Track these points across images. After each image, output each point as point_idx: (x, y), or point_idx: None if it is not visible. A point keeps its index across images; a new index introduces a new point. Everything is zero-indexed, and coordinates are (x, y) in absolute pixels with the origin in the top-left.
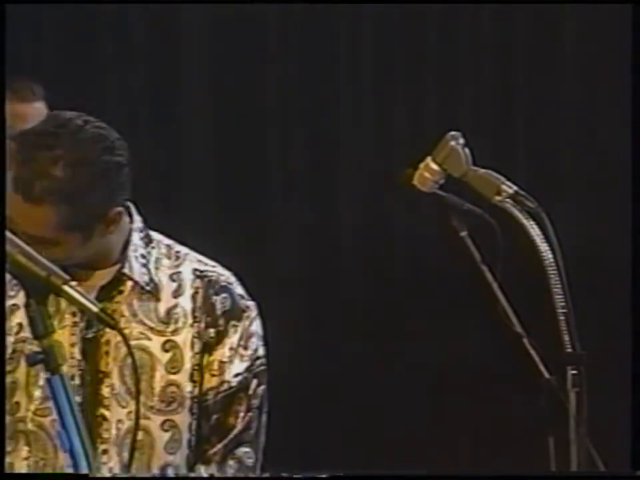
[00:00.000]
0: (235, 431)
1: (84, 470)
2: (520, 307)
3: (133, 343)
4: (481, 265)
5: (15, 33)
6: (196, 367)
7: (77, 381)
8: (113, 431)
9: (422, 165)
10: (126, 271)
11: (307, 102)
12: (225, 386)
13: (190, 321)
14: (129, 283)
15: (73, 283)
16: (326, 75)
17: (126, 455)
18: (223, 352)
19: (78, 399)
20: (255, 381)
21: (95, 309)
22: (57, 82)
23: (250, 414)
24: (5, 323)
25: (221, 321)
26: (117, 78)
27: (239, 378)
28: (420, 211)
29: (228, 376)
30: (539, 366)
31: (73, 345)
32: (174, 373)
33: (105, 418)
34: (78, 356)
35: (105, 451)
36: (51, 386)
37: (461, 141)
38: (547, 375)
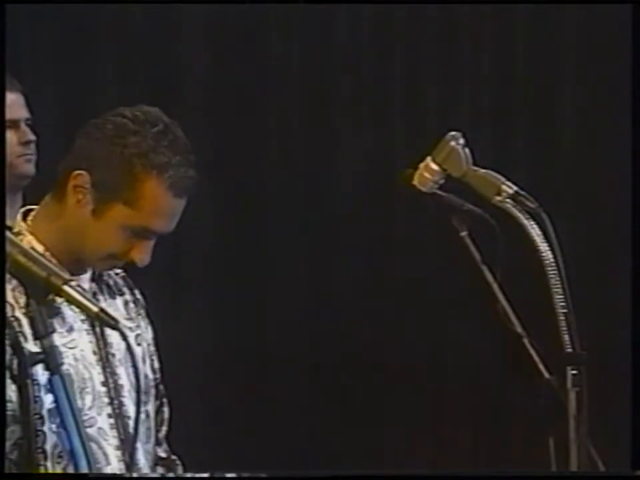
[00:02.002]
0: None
1: (84, 470)
2: (520, 306)
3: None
4: (480, 265)
5: (15, 33)
6: (152, 356)
7: None
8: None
9: (422, 165)
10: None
11: (306, 102)
12: (159, 371)
13: (142, 312)
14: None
15: (73, 283)
16: (326, 74)
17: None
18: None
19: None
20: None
21: (94, 309)
22: (57, 81)
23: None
24: (5, 323)
25: (143, 312)
26: (117, 78)
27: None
28: (420, 211)
29: (157, 361)
30: (539, 366)
31: None
32: (144, 364)
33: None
34: None
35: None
36: (51, 386)
37: (461, 141)
38: (547, 375)
